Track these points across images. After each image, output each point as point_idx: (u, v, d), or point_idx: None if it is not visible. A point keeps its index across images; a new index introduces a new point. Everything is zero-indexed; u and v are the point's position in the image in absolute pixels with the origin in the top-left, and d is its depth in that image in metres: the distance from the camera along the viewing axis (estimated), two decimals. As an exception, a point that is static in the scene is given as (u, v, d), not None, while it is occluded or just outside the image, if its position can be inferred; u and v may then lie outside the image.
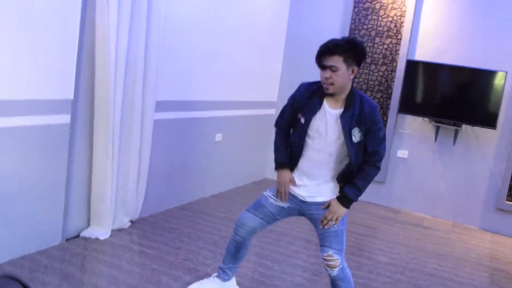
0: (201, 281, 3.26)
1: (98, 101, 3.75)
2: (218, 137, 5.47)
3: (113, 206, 4.05)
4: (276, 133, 3.04)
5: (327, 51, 2.70)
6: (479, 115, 5.54)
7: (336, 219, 2.79)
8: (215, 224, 4.60)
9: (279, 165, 2.95)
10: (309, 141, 2.83)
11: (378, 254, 4.46)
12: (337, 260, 2.79)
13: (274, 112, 6.52)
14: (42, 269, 3.26)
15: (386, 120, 6.01)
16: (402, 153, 6.04)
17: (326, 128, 2.78)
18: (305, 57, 6.36)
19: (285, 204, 2.94)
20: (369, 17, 6.04)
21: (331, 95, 2.77)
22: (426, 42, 5.84)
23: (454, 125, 5.67)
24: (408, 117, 5.96)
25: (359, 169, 2.80)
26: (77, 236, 3.89)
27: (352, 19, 6.12)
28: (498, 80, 5.39)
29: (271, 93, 6.50)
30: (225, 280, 3.20)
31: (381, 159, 2.82)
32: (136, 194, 4.25)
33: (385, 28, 5.98)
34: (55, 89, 3.42)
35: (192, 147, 5.05)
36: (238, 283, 3.40)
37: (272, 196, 2.97)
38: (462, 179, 5.81)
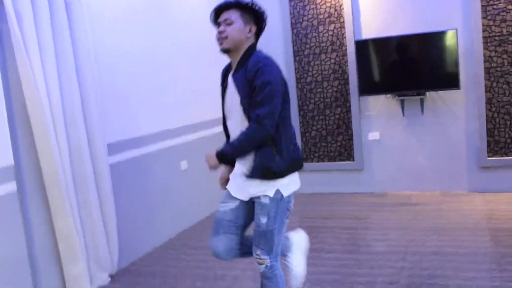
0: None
1: (42, 159, 3.44)
2: (184, 164, 5.19)
3: (87, 264, 3.74)
4: None
5: (223, 6, 2.61)
6: (440, 78, 5.39)
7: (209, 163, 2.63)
8: (199, 256, 4.31)
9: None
10: (225, 112, 2.76)
11: (375, 245, 4.25)
12: (264, 259, 2.61)
13: (235, 125, 6.28)
14: None
15: (349, 106, 5.82)
16: (373, 135, 5.86)
17: (226, 95, 2.69)
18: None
19: (233, 203, 2.74)
20: (307, 7, 5.85)
21: (227, 52, 2.60)
22: (369, 20, 5.68)
23: (418, 94, 5.51)
24: (370, 98, 5.78)
25: None
26: (55, 306, 3.58)
27: (291, 13, 5.93)
28: (450, 39, 5.24)
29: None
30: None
31: (261, 119, 2.44)
32: (108, 246, 3.94)
33: (326, 15, 5.80)
34: (-10, 159, 3.11)
35: (158, 181, 4.76)
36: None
37: (222, 204, 2.80)
38: (439, 146, 5.65)
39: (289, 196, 2.62)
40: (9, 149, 3.23)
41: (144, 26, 4.68)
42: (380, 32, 5.61)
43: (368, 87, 5.63)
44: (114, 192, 4.03)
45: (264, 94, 2.44)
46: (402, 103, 5.66)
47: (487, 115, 5.40)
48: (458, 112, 5.53)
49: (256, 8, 2.62)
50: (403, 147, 5.78)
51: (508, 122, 5.34)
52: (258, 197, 2.59)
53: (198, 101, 5.53)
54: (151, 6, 4.80)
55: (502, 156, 5.42)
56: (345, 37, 5.74)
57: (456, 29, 5.22)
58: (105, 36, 4.17)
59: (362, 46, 5.58)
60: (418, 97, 5.54)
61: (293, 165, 2.61)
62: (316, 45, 5.89)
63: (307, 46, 5.94)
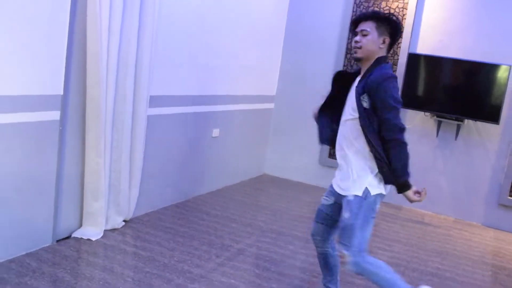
0: None
1: (89, 96, 3.61)
2: (215, 132, 5.34)
3: (106, 205, 3.93)
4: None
5: (362, 16, 2.76)
6: (481, 109, 5.41)
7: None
8: (211, 223, 4.48)
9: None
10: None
11: (379, 252, 4.35)
12: (346, 255, 2.68)
13: (273, 106, 6.40)
14: (31, 273, 3.13)
15: (387, 115, 5.87)
16: (403, 148, 5.90)
17: (347, 99, 2.80)
18: (305, 50, 6.24)
19: (330, 200, 2.92)
20: (370, 9, 5.89)
21: (359, 60, 2.77)
22: (428, 35, 5.70)
23: (456, 120, 5.55)
24: (409, 111, 5.83)
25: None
26: (69, 236, 3.77)
27: (353, 11, 5.98)
28: (502, 74, 5.25)
29: (270, 87, 6.36)
30: None
31: (396, 128, 2.59)
32: (129, 192, 4.13)
33: (386, 21, 5.83)
34: (44, 85, 3.28)
35: (188, 143, 4.93)
36: (232, 286, 3.30)
37: (325, 196, 2.97)
38: (464, 174, 5.70)
39: (376, 196, 2.73)
40: (61, 79, 3.40)
41: (210, -8, 4.80)
42: (435, 50, 5.63)
43: (410, 101, 5.66)
44: (146, 143, 4.20)
45: (386, 106, 2.59)
46: (439, 124, 5.70)
47: (518, 156, 5.42)
48: (491, 146, 5.56)
49: (393, 20, 2.74)
50: (429, 166, 5.83)
51: (538, 168, 5.36)
52: (345, 196, 2.77)
53: (245, 75, 5.66)
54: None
55: (523, 199, 5.45)
56: (400, 47, 5.77)
57: (511, 66, 5.22)
58: (172, -6, 4.30)
59: (414, 59, 5.61)
60: (456, 122, 5.58)
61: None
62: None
63: (360, 46, 5.98)
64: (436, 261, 4.31)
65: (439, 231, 5.20)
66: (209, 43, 4.93)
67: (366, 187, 2.71)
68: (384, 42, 2.71)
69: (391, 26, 2.73)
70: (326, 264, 3.08)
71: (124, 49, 3.80)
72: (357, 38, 2.72)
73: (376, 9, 5.85)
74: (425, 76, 5.66)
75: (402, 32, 2.85)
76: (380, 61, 2.71)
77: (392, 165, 2.62)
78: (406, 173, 2.66)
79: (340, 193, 2.81)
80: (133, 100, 3.98)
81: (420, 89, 5.69)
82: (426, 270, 4.09)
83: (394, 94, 2.59)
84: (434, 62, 5.60)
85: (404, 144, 2.62)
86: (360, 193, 2.70)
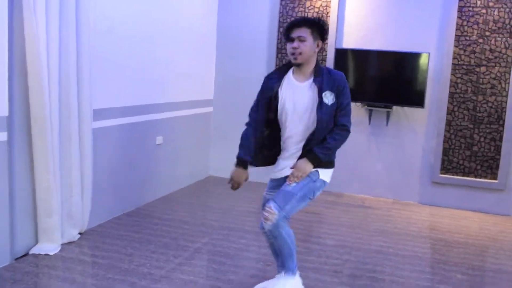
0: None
1: (34, 115, 3.69)
2: (159, 140, 5.48)
3: (60, 219, 4.01)
4: (247, 124, 3.20)
5: (295, 23, 2.98)
6: (407, 96, 5.81)
7: (301, 176, 2.99)
8: (164, 227, 4.63)
9: (239, 161, 3.13)
10: (281, 119, 3.10)
11: (325, 237, 4.63)
12: (274, 213, 2.91)
13: (211, 110, 6.59)
14: (-6, 291, 3.21)
15: (321, 108, 6.19)
16: (339, 138, 6.23)
17: (293, 99, 3.04)
18: (238, 52, 6.46)
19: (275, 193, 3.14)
20: (296, 9, 6.18)
21: (298, 65, 3.01)
22: (352, 31, 6.06)
23: (385, 107, 5.92)
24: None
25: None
26: (26, 254, 3.83)
27: (280, 12, 6.25)
28: (422, 61, 5.66)
29: (207, 91, 6.55)
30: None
31: (350, 120, 3.09)
32: (82, 205, 4.22)
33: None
34: (-12, 108, 3.35)
35: (134, 152, 5.05)
36: (193, 282, 3.47)
37: (268, 192, 3.27)
38: (397, 158, 6.08)
39: (322, 182, 3.12)
40: (5, 100, 3.47)
41: (145, 2, 4.93)
42: (360, 44, 6.00)
43: (341, 93, 6.00)
44: (93, 156, 4.30)
45: (347, 110, 3.05)
46: (370, 112, 6.06)
47: (444, 136, 5.85)
48: (419, 129, 5.97)
49: (323, 24, 3.04)
50: (364, 153, 6.19)
51: (463, 145, 5.80)
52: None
53: (181, 82, 5.83)
54: (151, -14, 5.07)
55: (453, 175, 5.89)
56: (327, 43, 6.09)
57: (429, 53, 5.65)
58: (106, 6, 4.41)
59: (341, 54, 5.95)
60: (385, 110, 5.95)
61: (333, 162, 3.20)
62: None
63: (291, 46, 6.26)
64: (379, 240, 4.63)
65: (379, 212, 5.55)
66: (144, 54, 5.07)
67: (317, 171, 3.07)
68: (318, 45, 3.04)
69: (322, 30, 3.03)
70: (279, 254, 3.18)
71: (64, 67, 3.89)
72: (295, 44, 2.95)
73: (306, 14, 6.14)
74: (353, 69, 6.01)
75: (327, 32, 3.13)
76: (319, 63, 3.10)
77: (331, 143, 3.01)
78: (334, 154, 3.16)
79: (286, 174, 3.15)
80: (78, 116, 4.08)
81: (350, 82, 6.01)
82: (370, 248, 4.39)
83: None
84: (360, 55, 5.95)
85: (348, 133, 3.10)
86: (311, 174, 3.05)
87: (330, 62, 6.04)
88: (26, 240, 3.87)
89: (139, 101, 5.04)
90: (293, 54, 2.97)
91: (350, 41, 6.06)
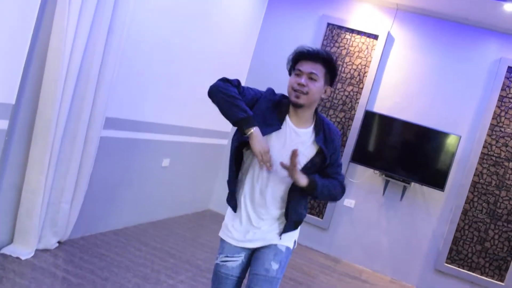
0: None
1: (41, 108, 3.48)
2: (165, 162, 5.24)
3: (41, 224, 3.75)
4: (228, 81, 2.52)
5: (311, 56, 2.37)
6: (429, 174, 5.55)
7: (296, 173, 2.31)
8: (149, 255, 4.34)
9: (249, 120, 2.33)
10: (256, 166, 2.41)
11: (314, 306, 4.32)
12: None
13: (226, 143, 6.36)
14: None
15: (337, 167, 5.94)
16: (349, 202, 5.97)
17: (282, 149, 2.38)
18: (267, 86, 6.26)
19: (238, 260, 2.49)
20: (323, 48, 5.99)
21: (298, 107, 2.38)
22: (386, 95, 5.85)
23: (403, 181, 5.65)
24: (359, 167, 5.91)
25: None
26: (-4, 252, 3.58)
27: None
28: (451, 142, 5.42)
29: (225, 123, 6.31)
30: None
31: (344, 184, 2.55)
32: (68, 213, 3.96)
33: (349, 75, 5.96)
34: (-5, 91, 3.15)
35: (137, 169, 4.81)
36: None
37: (228, 257, 2.49)
38: (405, 236, 5.78)
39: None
40: (15, 88, 3.28)
41: (182, 23, 4.77)
42: (391, 111, 5.77)
43: (361, 157, 5.77)
44: (94, 164, 4.07)
45: (340, 168, 2.55)
46: (386, 183, 5.79)
47: (458, 224, 5.55)
48: (434, 211, 5.68)
49: (337, 69, 2.47)
50: (372, 223, 5.90)
51: (476, 238, 5.50)
52: (274, 244, 2.46)
53: (201, 108, 5.61)
54: (196, 6, 4.90)
55: (458, 267, 5.56)
56: (358, 103, 5.89)
57: (460, 136, 5.40)
58: (144, 18, 4.24)
59: (370, 116, 5.72)
60: (402, 184, 5.68)
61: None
62: (328, 99, 6.03)
63: (320, 97, 6.06)
64: (369, 321, 4.31)
65: (374, 289, 5.23)
66: (171, 73, 4.88)
67: (295, 240, 2.57)
68: (325, 92, 2.45)
69: (335, 75, 2.46)
70: None
71: (85, 69, 3.70)
72: (303, 81, 2.35)
73: (343, 69, 5.94)
74: (378, 135, 5.78)
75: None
76: (317, 110, 2.51)
77: (331, 191, 2.47)
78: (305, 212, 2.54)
79: (262, 245, 2.47)
80: (88, 120, 3.87)
81: (373, 147, 5.79)
82: (359, 329, 4.08)
83: None
84: (389, 122, 5.73)
85: (343, 194, 2.57)
86: (291, 245, 2.52)
87: (357, 123, 5.81)
88: (1, 237, 3.61)
89: (153, 119, 4.82)
90: (296, 91, 2.35)
91: (382, 106, 5.84)
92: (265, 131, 2.35)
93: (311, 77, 2.36)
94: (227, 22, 5.61)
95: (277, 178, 2.42)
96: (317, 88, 2.37)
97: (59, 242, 4.01)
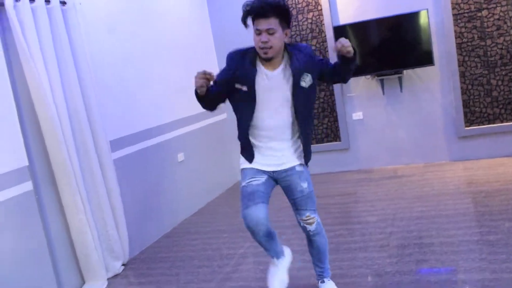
0: (270, 274, 3.02)
1: (53, 160, 3.73)
2: (180, 156, 5.47)
3: (101, 255, 4.02)
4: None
5: (262, 14, 2.62)
6: (415, 56, 5.72)
7: (346, 50, 2.73)
8: (205, 240, 4.62)
9: (195, 93, 2.87)
10: (258, 109, 2.79)
11: (365, 215, 4.57)
12: (314, 218, 2.97)
13: (225, 116, 6.56)
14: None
15: (332, 89, 6.14)
16: (357, 115, 6.18)
17: (270, 89, 2.76)
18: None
19: (262, 178, 2.89)
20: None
21: (270, 60, 2.73)
22: (345, 6, 5.98)
23: (396, 73, 5.83)
24: (351, 80, 6.07)
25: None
26: (76, 296, 3.86)
27: (269, 5, 6.19)
28: (422, 19, 5.57)
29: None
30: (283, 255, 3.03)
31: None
32: (119, 237, 4.23)
33: (304, 4, 6.09)
34: (8, 160, 3.38)
35: (158, 174, 5.05)
36: (245, 287, 3.44)
37: (251, 179, 2.89)
38: (419, 121, 5.99)
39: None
40: (23, 150, 3.50)
41: (133, 28, 4.94)
42: (357, 17, 5.92)
43: (348, 70, 5.93)
44: (119, 186, 4.31)
45: (328, 60, 2.93)
46: (381, 82, 5.98)
47: (461, 88, 5.74)
48: (434, 87, 5.87)
49: (289, 10, 2.73)
50: (385, 124, 6.11)
51: (482, 93, 5.68)
52: (293, 168, 2.91)
53: (188, 96, 5.79)
54: (137, 11, 5.06)
55: (478, 125, 5.77)
56: (324, 24, 6.03)
57: (427, 9, 5.55)
58: (98, 39, 4.42)
59: (340, 31, 5.86)
60: (396, 76, 5.86)
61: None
62: (296, 33, 6.18)
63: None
64: (418, 205, 4.55)
65: (413, 179, 5.47)
66: (145, 75, 5.06)
67: (303, 158, 2.98)
68: (286, 35, 2.74)
69: (289, 17, 2.72)
70: (273, 239, 2.92)
71: (72, 105, 3.92)
72: (264, 37, 2.64)
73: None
74: (355, 44, 5.85)
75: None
76: (285, 45, 2.80)
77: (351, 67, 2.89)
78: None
79: (281, 168, 2.90)
80: (96, 151, 4.09)
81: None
82: (412, 216, 4.32)
83: None
84: (359, 28, 5.87)
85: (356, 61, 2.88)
86: (303, 162, 2.97)
87: (331, 42, 5.97)
88: (73, 282, 3.90)
89: (153, 123, 5.04)
90: (263, 48, 2.66)
91: (347, 17, 5.99)
92: (251, 82, 2.75)
93: (269, 32, 2.64)
94: (170, 7, 5.75)
95: (272, 112, 2.82)
96: (278, 38, 2.67)
97: (123, 265, 4.28)
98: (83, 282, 3.98)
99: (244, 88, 2.76)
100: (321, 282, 3.17)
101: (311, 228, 2.97)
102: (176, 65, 5.61)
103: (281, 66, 2.78)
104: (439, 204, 4.49)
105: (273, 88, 2.78)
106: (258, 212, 2.76)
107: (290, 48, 2.80)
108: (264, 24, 2.64)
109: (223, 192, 6.33)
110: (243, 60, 2.78)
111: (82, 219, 3.85)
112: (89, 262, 3.92)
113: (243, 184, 2.91)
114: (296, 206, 2.97)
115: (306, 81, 2.78)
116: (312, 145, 3.01)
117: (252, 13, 2.66)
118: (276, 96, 2.79)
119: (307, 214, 2.95)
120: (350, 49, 2.71)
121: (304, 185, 2.92)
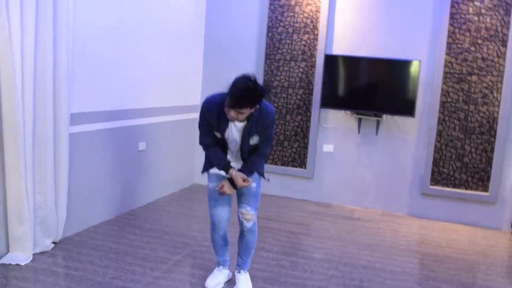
0: (211, 274, 3.63)
1: (5, 120, 3.51)
2: (141, 145, 5.29)
3: (33, 228, 3.82)
4: (205, 149, 3.42)
5: (238, 105, 3.06)
6: (397, 104, 5.67)
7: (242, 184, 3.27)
8: (144, 238, 4.44)
9: (225, 166, 3.33)
10: (228, 145, 3.39)
11: (312, 251, 4.46)
12: (252, 215, 3.41)
13: (197, 115, 6.39)
14: (-45, 305, 3.01)
15: (310, 116, 6.04)
16: (327, 147, 6.09)
17: (234, 136, 3.31)
18: (225, 57, 6.30)
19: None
20: (285, 14, 6.04)
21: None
22: (342, 36, 5.91)
23: (375, 116, 5.77)
24: (330, 111, 6.01)
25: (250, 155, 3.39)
26: (-5, 264, 3.64)
27: (269, 17, 6.09)
28: (413, 69, 5.52)
29: (194, 96, 6.37)
30: (228, 268, 3.69)
31: (268, 155, 3.94)
32: (56, 213, 4.02)
33: (302, 25, 6.00)
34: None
35: (114, 158, 4.86)
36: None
37: (215, 183, 3.44)
38: (387, 167, 5.93)
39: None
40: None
41: (124, 7, 4.76)
42: (351, 50, 5.85)
43: (330, 101, 5.86)
44: (70, 162, 4.12)
45: (268, 141, 3.39)
46: (359, 121, 5.91)
47: (435, 146, 5.71)
48: (410, 138, 5.83)
49: (262, 97, 3.13)
50: (354, 163, 6.04)
51: (454, 156, 5.66)
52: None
53: (167, 86, 5.65)
54: (135, -13, 4.90)
55: (443, 186, 5.74)
56: (316, 49, 5.95)
57: (420, 61, 5.51)
58: (88, 7, 4.23)
59: (330, 60, 5.80)
60: (375, 118, 5.81)
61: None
62: (288, 52, 6.08)
63: (279, 51, 6.12)
64: (366, 254, 4.46)
65: (368, 224, 5.39)
66: (128, 57, 4.89)
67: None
68: (255, 109, 3.18)
69: (260, 100, 3.15)
70: (225, 246, 3.60)
71: (40, 69, 3.72)
72: (234, 115, 3.09)
73: (295, 19, 5.97)
74: (342, 76, 5.86)
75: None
76: None
77: (255, 163, 3.39)
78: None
79: None
80: (54, 120, 3.89)
81: (339, 89, 5.88)
82: (358, 263, 4.23)
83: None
84: (350, 62, 5.81)
85: (267, 158, 3.55)
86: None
87: (319, 68, 5.89)
88: (-4, 248, 3.68)
89: (121, 106, 4.86)
90: (233, 118, 3.14)
91: (340, 48, 5.92)
92: (223, 132, 3.29)
93: (241, 112, 3.10)
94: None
95: (233, 145, 3.39)
96: (247, 112, 3.13)
97: (54, 243, 4.08)
98: (7, 251, 3.76)
99: (218, 135, 3.32)
100: (237, 272, 3.58)
101: (247, 225, 3.42)
102: (160, 53, 5.45)
103: (245, 122, 3.24)
104: (387, 258, 4.41)
105: (235, 136, 3.31)
106: (223, 212, 3.45)
107: (258, 105, 3.17)
108: (238, 111, 3.08)
109: (177, 191, 6.16)
110: (217, 113, 3.23)
111: (22, 187, 3.64)
112: (17, 232, 3.71)
113: (211, 186, 3.47)
114: (241, 199, 3.43)
115: (254, 140, 3.30)
116: (276, 166, 3.11)
117: (232, 104, 3.06)
118: (235, 139, 3.34)
119: (248, 208, 3.39)
120: (248, 183, 3.29)
121: (253, 184, 3.38)
